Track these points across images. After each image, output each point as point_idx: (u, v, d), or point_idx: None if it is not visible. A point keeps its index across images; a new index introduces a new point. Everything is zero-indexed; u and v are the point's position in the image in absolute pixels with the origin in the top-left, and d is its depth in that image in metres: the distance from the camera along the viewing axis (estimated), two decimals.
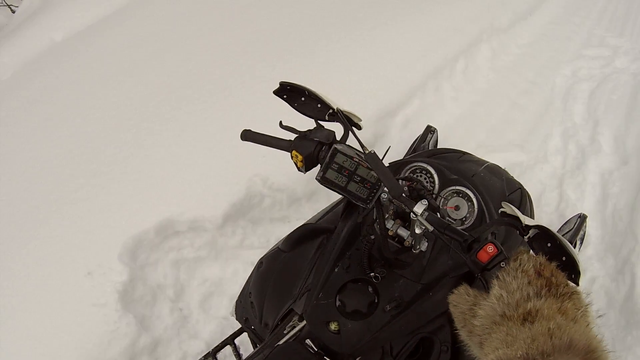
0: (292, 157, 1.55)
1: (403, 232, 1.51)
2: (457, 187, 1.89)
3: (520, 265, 1.17)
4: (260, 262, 1.92)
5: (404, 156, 3.35)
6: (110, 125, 3.45)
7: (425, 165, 1.96)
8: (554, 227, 3.26)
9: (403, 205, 1.37)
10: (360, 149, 1.42)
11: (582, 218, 3.13)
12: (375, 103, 3.68)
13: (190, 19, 4.66)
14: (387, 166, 1.99)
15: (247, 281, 1.96)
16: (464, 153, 2.42)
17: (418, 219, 1.35)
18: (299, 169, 1.56)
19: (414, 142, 3.46)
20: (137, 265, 2.70)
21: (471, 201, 1.87)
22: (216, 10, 4.78)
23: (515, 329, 1.05)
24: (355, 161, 1.41)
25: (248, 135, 1.64)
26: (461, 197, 1.89)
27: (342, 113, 1.54)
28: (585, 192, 3.60)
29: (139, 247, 2.72)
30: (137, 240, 2.70)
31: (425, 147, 3.34)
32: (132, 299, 2.59)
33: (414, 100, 3.93)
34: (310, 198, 3.21)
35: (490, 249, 1.20)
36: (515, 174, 3.63)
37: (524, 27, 5.53)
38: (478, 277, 1.25)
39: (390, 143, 3.64)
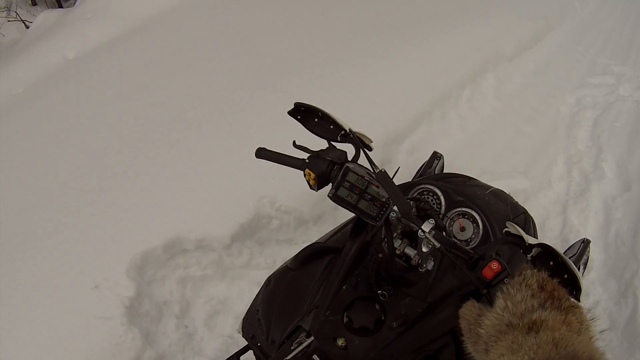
0: (304, 175, 1.56)
1: (410, 251, 1.55)
2: (463, 209, 1.94)
3: (524, 279, 1.20)
4: (269, 280, 1.94)
5: (411, 180, 3.37)
6: (121, 143, 3.50)
7: (432, 187, 2.02)
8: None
9: (411, 224, 1.40)
10: (371, 169, 1.45)
11: (585, 243, 3.14)
12: (382, 129, 3.72)
13: (202, 42, 4.77)
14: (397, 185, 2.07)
15: (254, 299, 1.98)
16: (470, 178, 2.46)
17: (426, 237, 1.37)
18: (311, 187, 1.57)
19: (421, 168, 3.49)
20: (144, 280, 2.72)
21: (476, 222, 1.92)
22: (228, 34, 4.90)
23: (521, 337, 1.06)
24: (366, 180, 1.42)
25: (262, 153, 1.64)
26: (467, 218, 1.94)
27: (354, 134, 1.58)
28: (588, 217, 3.62)
29: (147, 263, 2.74)
30: (144, 257, 2.72)
31: (431, 173, 3.38)
32: (138, 314, 2.60)
33: (420, 127, 3.99)
34: (317, 221, 3.24)
35: (495, 265, 1.24)
36: (519, 200, 3.65)
37: (529, 56, 5.61)
38: (483, 294, 1.28)
39: (395, 164, 3.67)
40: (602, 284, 3.18)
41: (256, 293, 2.00)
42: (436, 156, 3.48)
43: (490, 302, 1.24)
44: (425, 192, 2.04)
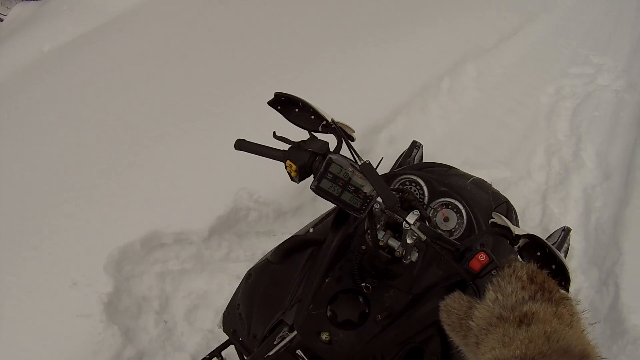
0: (285, 167, 1.54)
1: (394, 243, 1.52)
2: (447, 199, 1.94)
3: (514, 271, 1.20)
4: (249, 273, 1.92)
5: (390, 170, 3.36)
6: (99, 139, 3.45)
7: (414, 177, 2.02)
8: None
9: (396, 215, 1.38)
10: (354, 160, 1.43)
11: (565, 231, 3.16)
12: (362, 120, 3.69)
13: (181, 35, 4.71)
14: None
15: (235, 293, 1.96)
16: (450, 167, 2.47)
17: (411, 228, 1.36)
18: (292, 179, 1.55)
19: (400, 157, 3.48)
20: (123, 276, 2.69)
21: (460, 212, 1.92)
22: (208, 28, 4.85)
23: (512, 330, 1.06)
24: (350, 171, 1.40)
25: (242, 145, 1.61)
26: (450, 208, 1.94)
27: (337, 124, 1.55)
28: (568, 206, 3.64)
29: (125, 258, 2.71)
30: (122, 252, 2.69)
31: (410, 162, 3.37)
32: (117, 310, 2.57)
33: (400, 118, 3.98)
34: (295, 212, 3.22)
35: (482, 257, 1.23)
36: (500, 190, 3.68)
37: (510, 47, 5.61)
38: (470, 285, 1.28)
39: (376, 158, 3.61)
40: (583, 272, 3.19)
41: (236, 287, 1.98)
42: (415, 145, 3.48)
43: (478, 294, 1.25)
44: (408, 183, 2.03)
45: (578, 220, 3.55)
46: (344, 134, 1.55)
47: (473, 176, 2.45)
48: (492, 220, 1.40)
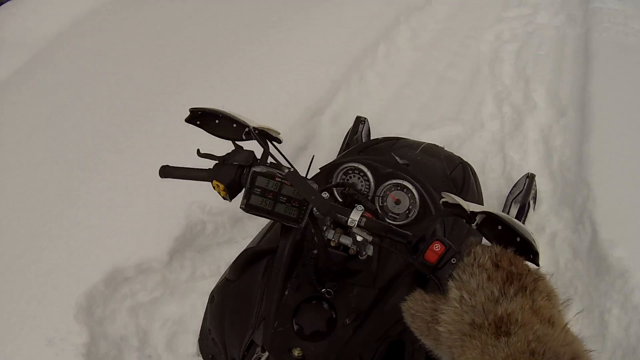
0: (213, 187, 1.42)
1: (346, 240, 1.42)
2: (394, 181, 1.86)
3: (475, 259, 1.09)
4: (212, 295, 1.81)
5: (339, 152, 3.29)
6: (35, 181, 3.19)
7: (356, 164, 1.92)
8: (503, 192, 3.17)
9: (338, 216, 1.29)
10: (282, 168, 1.33)
11: (530, 177, 3.05)
12: (300, 104, 3.57)
13: (105, 58, 4.36)
14: (318, 173, 2.02)
15: (203, 318, 1.86)
16: (398, 139, 2.39)
17: (356, 229, 1.28)
18: (223, 198, 1.43)
19: (346, 136, 3.39)
20: (95, 321, 2.53)
21: (411, 192, 1.84)
22: (128, 46, 4.51)
23: (491, 344, 0.96)
24: (278, 181, 1.30)
25: (167, 172, 1.49)
26: (400, 189, 1.85)
27: (257, 130, 1.45)
28: (528, 151, 3.52)
29: (92, 303, 2.55)
30: (89, 296, 2.53)
31: (358, 139, 3.30)
32: (97, 358, 2.43)
33: (339, 94, 3.83)
34: (251, 216, 3.02)
35: (437, 247, 1.16)
36: (455, 148, 3.57)
37: (440, 2, 5.45)
38: (430, 278, 1.19)
39: (322, 141, 3.54)
40: (555, 214, 3.07)
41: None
42: (360, 120, 3.38)
43: (441, 287, 1.15)
44: (350, 171, 1.93)
45: (540, 162, 3.43)
46: (268, 137, 1.47)
47: (423, 143, 2.36)
48: (443, 199, 1.29)
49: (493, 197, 3.23)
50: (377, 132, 3.48)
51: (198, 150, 1.45)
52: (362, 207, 1.31)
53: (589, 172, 3.07)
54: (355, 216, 1.27)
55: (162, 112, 3.53)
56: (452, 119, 3.81)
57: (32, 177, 3.23)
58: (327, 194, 1.52)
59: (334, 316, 1.50)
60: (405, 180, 1.84)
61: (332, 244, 1.43)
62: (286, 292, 1.55)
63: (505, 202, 3.07)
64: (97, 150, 3.31)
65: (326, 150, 3.43)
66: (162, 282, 2.78)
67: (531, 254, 1.17)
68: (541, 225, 3.03)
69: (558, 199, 3.15)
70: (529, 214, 3.02)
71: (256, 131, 1.45)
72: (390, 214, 1.84)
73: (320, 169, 2.01)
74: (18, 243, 2.84)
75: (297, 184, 1.24)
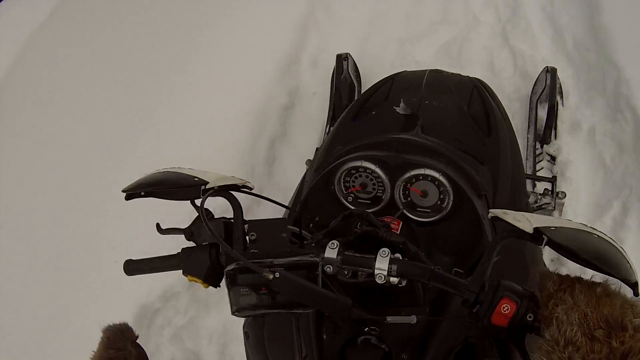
0: (189, 281, 1.19)
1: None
2: (412, 172, 1.45)
3: (559, 331, 0.78)
4: (246, 332, 1.61)
5: (329, 100, 3.01)
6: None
7: (359, 163, 1.50)
8: (522, 92, 2.85)
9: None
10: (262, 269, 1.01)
11: (551, 72, 2.71)
12: (271, 61, 3.20)
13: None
14: (315, 182, 1.59)
15: (246, 355, 1.66)
16: (394, 76, 2.02)
17: (387, 281, 1.04)
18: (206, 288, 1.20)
19: (332, 78, 3.07)
20: None
21: (435, 179, 1.43)
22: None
23: None
24: (267, 273, 0.99)
25: (132, 267, 1.26)
26: (422, 179, 1.45)
27: (219, 187, 1.18)
28: (535, 36, 3.10)
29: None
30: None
31: (345, 78, 3.03)
32: None
33: (310, 35, 3.42)
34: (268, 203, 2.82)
35: (507, 308, 0.91)
36: (454, 54, 3.19)
37: None
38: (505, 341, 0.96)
39: (308, 92, 3.21)
40: (587, 104, 2.75)
41: None
42: (342, 58, 3.06)
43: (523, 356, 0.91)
44: (354, 172, 1.52)
45: (553, 47, 3.04)
46: (231, 189, 1.22)
47: (424, 74, 1.95)
48: (491, 214, 1.06)
49: (513, 99, 2.90)
50: (366, 64, 3.16)
51: (157, 225, 1.26)
52: (387, 250, 1.04)
53: (611, 48, 2.70)
54: (382, 264, 1.03)
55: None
56: (441, 21, 3.39)
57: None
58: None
59: (387, 349, 1.24)
60: (427, 167, 1.44)
61: (360, 279, 1.12)
62: (324, 337, 1.31)
63: (530, 104, 2.76)
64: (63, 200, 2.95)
65: (317, 98, 3.18)
66: (193, 300, 2.67)
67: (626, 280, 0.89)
68: (575, 122, 2.72)
69: (584, 86, 2.81)
70: (559, 113, 2.70)
71: (215, 187, 1.18)
72: (419, 210, 1.48)
73: (314, 170, 1.72)
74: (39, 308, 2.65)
75: (289, 288, 0.99)
